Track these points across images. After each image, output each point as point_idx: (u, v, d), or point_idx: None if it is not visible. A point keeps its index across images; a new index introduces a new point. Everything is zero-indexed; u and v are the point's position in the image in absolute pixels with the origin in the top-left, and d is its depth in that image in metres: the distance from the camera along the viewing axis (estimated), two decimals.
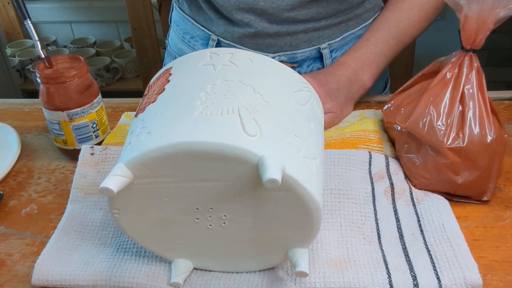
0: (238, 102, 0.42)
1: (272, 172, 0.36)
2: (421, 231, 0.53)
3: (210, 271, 0.50)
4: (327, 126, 0.69)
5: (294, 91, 0.46)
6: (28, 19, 0.53)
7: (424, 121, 0.57)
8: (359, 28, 0.79)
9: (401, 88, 0.65)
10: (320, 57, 0.78)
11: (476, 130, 0.55)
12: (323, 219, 0.54)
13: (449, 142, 0.55)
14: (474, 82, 0.56)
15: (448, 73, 0.57)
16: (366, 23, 0.79)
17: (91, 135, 0.68)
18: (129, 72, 2.14)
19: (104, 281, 0.49)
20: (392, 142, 0.65)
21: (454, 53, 0.58)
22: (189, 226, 0.45)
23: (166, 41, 0.93)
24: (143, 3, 1.70)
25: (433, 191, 0.58)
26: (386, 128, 0.67)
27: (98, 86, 0.68)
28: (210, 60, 0.47)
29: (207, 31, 0.80)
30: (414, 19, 0.74)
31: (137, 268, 0.50)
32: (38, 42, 0.61)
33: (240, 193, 0.42)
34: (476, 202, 0.57)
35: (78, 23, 2.23)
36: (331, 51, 0.78)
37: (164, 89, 0.45)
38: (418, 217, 0.54)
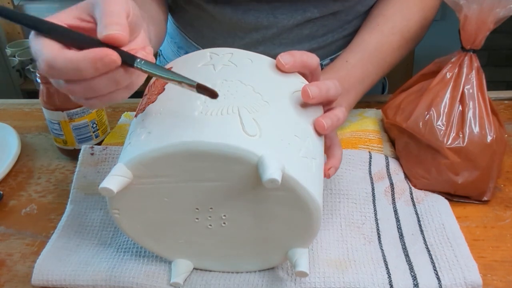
0: (237, 102, 0.42)
1: (272, 172, 0.36)
2: (421, 231, 0.53)
3: (210, 271, 0.50)
4: None
5: (293, 91, 0.46)
6: None
7: (424, 121, 0.57)
8: None
9: (401, 88, 0.65)
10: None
11: (476, 130, 0.55)
12: (323, 219, 0.54)
13: (449, 142, 0.55)
14: (474, 82, 0.56)
15: (448, 73, 0.57)
16: None
17: (91, 135, 0.68)
18: None
19: (104, 281, 0.49)
20: (392, 142, 0.65)
21: (454, 53, 0.58)
22: (189, 226, 0.45)
23: (159, 50, 0.89)
24: None
25: (433, 191, 0.58)
26: (386, 128, 0.67)
27: None
28: (210, 60, 0.47)
29: (201, 48, 0.77)
30: (394, 46, 0.67)
31: (137, 268, 0.50)
32: None
33: (240, 193, 0.42)
34: (476, 202, 0.57)
35: None
36: None
37: (164, 89, 0.45)
38: (418, 217, 0.54)
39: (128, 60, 0.38)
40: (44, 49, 0.38)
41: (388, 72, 0.70)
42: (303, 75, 0.50)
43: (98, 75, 0.38)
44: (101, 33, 0.38)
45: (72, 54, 0.38)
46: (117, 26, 0.38)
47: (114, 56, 0.37)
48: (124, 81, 0.40)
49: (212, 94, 0.39)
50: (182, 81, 0.39)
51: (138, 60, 0.38)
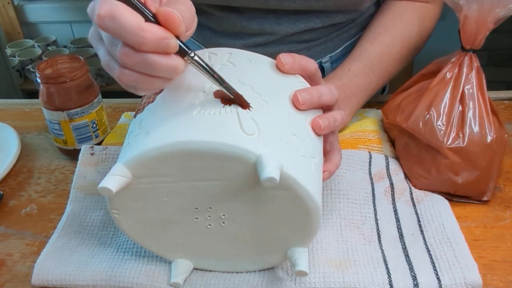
0: None
1: (270, 171, 0.36)
2: (421, 231, 0.53)
3: (210, 271, 0.50)
4: None
5: (292, 90, 0.46)
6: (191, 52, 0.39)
7: (424, 121, 0.57)
8: (359, 36, 0.78)
9: (401, 88, 0.65)
10: (321, 71, 0.78)
11: (476, 130, 0.55)
12: (323, 219, 0.54)
13: (449, 142, 0.55)
14: (474, 82, 0.56)
15: (448, 73, 0.57)
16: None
17: (91, 135, 0.68)
18: None
19: (104, 281, 0.49)
20: (392, 142, 0.65)
21: (454, 53, 0.58)
22: (189, 225, 0.45)
23: None
24: None
25: (433, 191, 0.58)
26: (386, 128, 0.67)
27: (98, 86, 0.68)
28: (209, 60, 0.47)
29: (203, 46, 0.78)
30: (395, 56, 0.68)
31: (137, 268, 0.50)
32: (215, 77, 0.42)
33: (239, 192, 0.42)
34: (476, 202, 0.57)
35: (78, 23, 2.22)
36: (332, 63, 0.78)
37: (163, 89, 0.45)
38: (418, 217, 0.54)
39: (182, 50, 0.38)
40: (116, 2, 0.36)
41: (389, 81, 0.71)
42: None
43: (154, 52, 0.37)
44: (163, 7, 0.37)
45: (141, 20, 0.36)
46: (179, 12, 0.37)
47: (176, 40, 0.37)
48: (180, 68, 0.39)
49: (244, 106, 0.42)
50: (222, 87, 0.41)
51: (190, 52, 0.39)
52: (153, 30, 0.36)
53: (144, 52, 0.37)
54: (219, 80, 0.41)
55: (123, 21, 0.35)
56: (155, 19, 0.37)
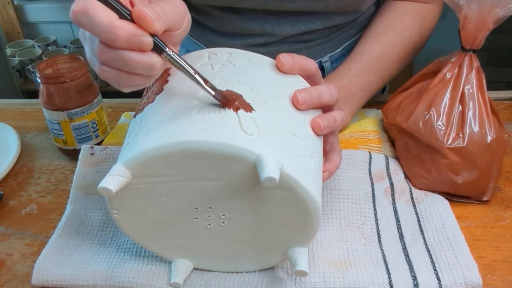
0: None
1: (270, 171, 0.36)
2: (421, 231, 0.53)
3: (210, 271, 0.50)
4: None
5: (292, 90, 0.46)
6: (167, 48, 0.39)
7: (424, 121, 0.57)
8: (359, 35, 0.78)
9: (401, 88, 0.65)
10: (321, 70, 0.78)
11: (476, 130, 0.55)
12: (323, 219, 0.54)
13: (449, 142, 0.55)
14: (474, 82, 0.56)
15: (448, 73, 0.57)
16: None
17: (91, 135, 0.68)
18: None
19: (104, 281, 0.49)
20: (392, 142, 0.65)
21: (454, 53, 0.58)
22: (188, 225, 0.45)
23: None
24: None
25: (433, 191, 0.58)
26: (386, 128, 0.67)
27: (98, 86, 0.68)
28: (209, 60, 0.47)
29: (204, 46, 0.79)
30: (395, 56, 0.68)
31: (137, 268, 0.50)
32: (197, 76, 0.41)
33: (239, 192, 0.42)
34: (476, 202, 0.57)
35: None
36: (332, 62, 0.78)
37: (162, 89, 0.45)
38: (418, 217, 0.54)
39: (159, 47, 0.39)
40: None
41: (389, 81, 0.71)
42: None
43: (129, 49, 0.37)
44: (137, 6, 0.37)
45: (114, 17, 0.36)
46: (155, 13, 0.37)
47: (150, 38, 0.37)
48: (156, 66, 0.39)
49: (225, 104, 0.41)
50: (201, 84, 0.41)
51: (167, 49, 0.39)
52: (124, 27, 0.37)
53: (118, 48, 0.37)
54: (199, 79, 0.41)
55: (95, 18, 0.36)
56: (131, 18, 0.37)
